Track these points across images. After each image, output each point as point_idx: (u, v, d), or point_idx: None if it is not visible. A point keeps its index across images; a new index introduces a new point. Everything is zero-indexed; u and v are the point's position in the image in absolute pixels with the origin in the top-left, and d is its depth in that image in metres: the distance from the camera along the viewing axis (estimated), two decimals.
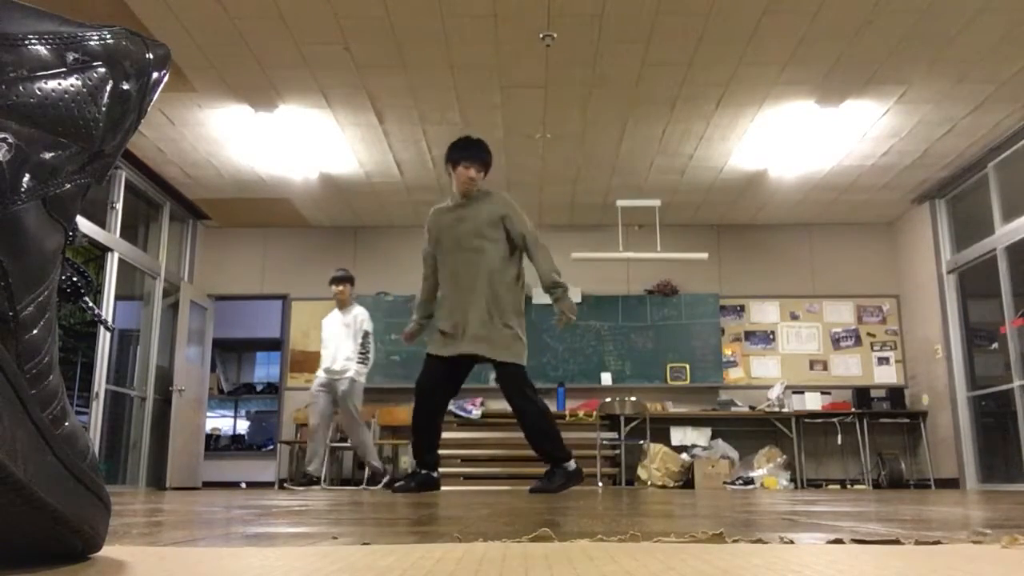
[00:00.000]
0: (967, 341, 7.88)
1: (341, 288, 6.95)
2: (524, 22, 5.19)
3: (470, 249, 4.31)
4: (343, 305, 6.98)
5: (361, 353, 6.86)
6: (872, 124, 6.60)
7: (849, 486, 8.17)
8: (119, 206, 7.23)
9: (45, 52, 0.54)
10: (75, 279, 0.65)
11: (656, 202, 8.17)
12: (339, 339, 6.86)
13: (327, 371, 6.85)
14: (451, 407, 8.28)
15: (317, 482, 6.89)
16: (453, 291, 4.36)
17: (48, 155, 0.54)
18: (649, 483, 7.63)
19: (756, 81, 5.93)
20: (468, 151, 4.39)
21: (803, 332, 8.93)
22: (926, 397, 8.35)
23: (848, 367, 8.81)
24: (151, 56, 0.61)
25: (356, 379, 6.80)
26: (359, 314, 6.97)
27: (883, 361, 8.83)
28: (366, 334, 6.91)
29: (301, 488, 6.56)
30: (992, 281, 7.24)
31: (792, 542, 0.87)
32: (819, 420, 8.33)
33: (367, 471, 7.24)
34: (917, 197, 8.25)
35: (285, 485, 6.78)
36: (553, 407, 8.27)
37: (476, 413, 8.19)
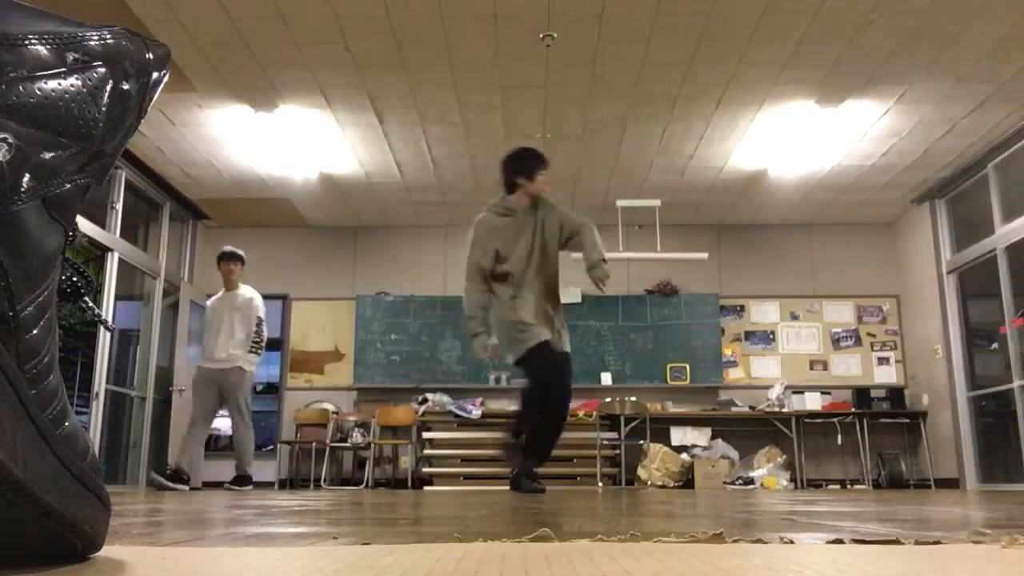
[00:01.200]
0: (967, 341, 7.88)
1: (231, 267, 6.34)
2: (524, 22, 5.19)
3: (547, 254, 4.52)
4: (232, 287, 6.38)
5: (254, 342, 6.27)
6: (872, 124, 6.60)
7: (849, 486, 8.17)
8: (119, 206, 7.23)
9: (45, 52, 0.54)
10: (75, 279, 0.65)
11: (656, 202, 8.17)
12: (228, 325, 6.23)
13: (212, 360, 6.25)
14: (451, 407, 8.30)
15: (187, 481, 6.22)
16: (534, 294, 4.44)
17: (48, 155, 0.54)
18: (649, 483, 7.63)
19: (756, 81, 5.92)
20: (541, 160, 4.57)
21: (803, 332, 8.92)
22: (926, 397, 8.35)
23: (848, 367, 8.81)
24: (151, 56, 0.61)
25: (246, 369, 6.25)
26: (254, 298, 6.36)
27: (883, 361, 8.83)
28: (260, 321, 6.32)
29: (171, 486, 6.05)
30: (992, 281, 7.24)
31: (792, 542, 0.87)
32: (819, 420, 8.33)
33: (237, 470, 6.47)
34: (917, 197, 8.25)
35: (161, 484, 6.18)
36: None
37: (476, 413, 8.19)
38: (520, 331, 4.37)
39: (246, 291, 6.41)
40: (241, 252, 6.54)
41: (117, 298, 7.28)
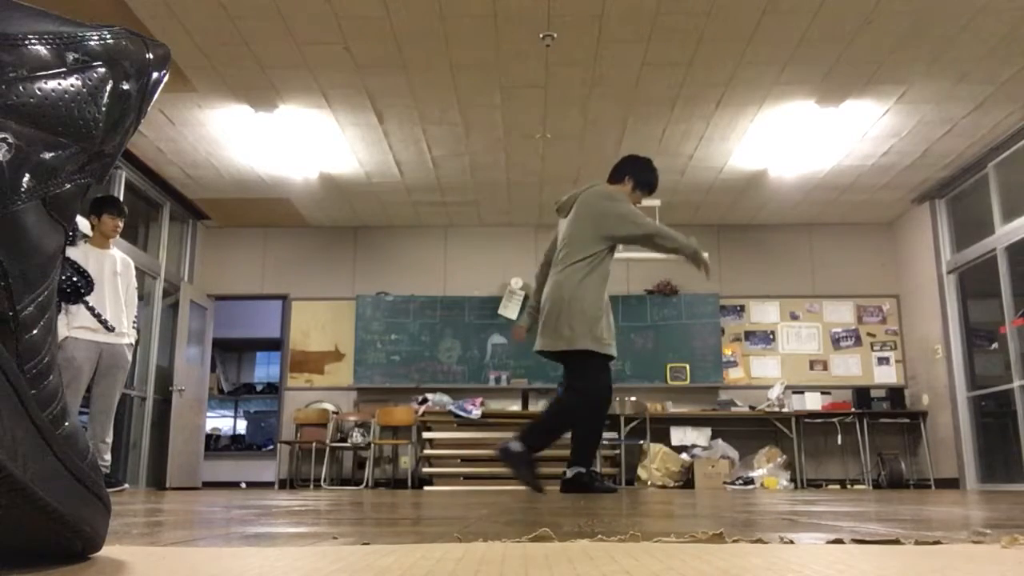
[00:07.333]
0: (967, 341, 7.88)
1: (121, 223, 5.11)
2: (524, 22, 5.19)
3: None
4: (106, 246, 5.03)
5: (136, 316, 5.23)
6: (872, 124, 6.60)
7: (849, 486, 8.17)
8: None
9: (45, 52, 0.54)
10: (75, 279, 0.65)
11: (656, 202, 8.13)
12: (114, 291, 4.94)
13: (99, 330, 4.83)
14: (451, 407, 8.30)
15: (117, 482, 5.12)
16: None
17: (48, 155, 0.54)
18: (649, 483, 7.63)
19: (756, 81, 5.92)
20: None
21: (803, 332, 8.92)
22: (926, 397, 8.35)
23: (848, 367, 8.81)
24: (151, 56, 0.61)
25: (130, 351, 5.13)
26: (131, 263, 5.20)
27: (883, 361, 8.83)
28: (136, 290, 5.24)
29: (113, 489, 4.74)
30: (992, 281, 7.24)
31: (792, 542, 0.87)
32: (819, 420, 8.33)
33: (107, 464, 4.98)
34: (917, 197, 8.25)
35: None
36: None
37: (476, 413, 8.19)
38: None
39: (118, 252, 5.18)
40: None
41: None
